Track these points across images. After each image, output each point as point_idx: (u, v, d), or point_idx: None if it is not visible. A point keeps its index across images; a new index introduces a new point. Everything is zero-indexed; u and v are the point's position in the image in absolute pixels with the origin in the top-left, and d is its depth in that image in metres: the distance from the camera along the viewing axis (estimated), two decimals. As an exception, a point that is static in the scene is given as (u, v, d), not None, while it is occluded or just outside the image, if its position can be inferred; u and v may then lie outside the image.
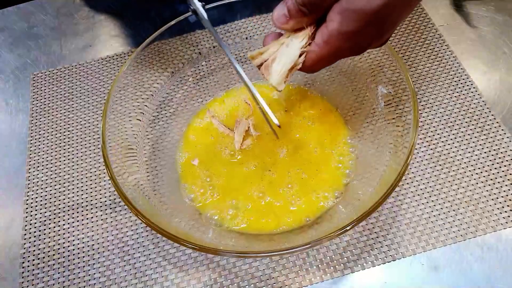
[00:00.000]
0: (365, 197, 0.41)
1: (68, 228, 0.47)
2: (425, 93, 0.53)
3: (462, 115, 0.50)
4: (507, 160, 0.47)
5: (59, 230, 0.47)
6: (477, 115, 0.50)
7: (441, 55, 0.56)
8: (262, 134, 0.50)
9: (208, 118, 0.52)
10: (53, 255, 0.45)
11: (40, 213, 0.48)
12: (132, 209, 0.37)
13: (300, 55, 0.34)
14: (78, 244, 0.46)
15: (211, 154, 0.49)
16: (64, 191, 0.49)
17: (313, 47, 0.33)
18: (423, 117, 0.51)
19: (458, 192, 0.45)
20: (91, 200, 0.48)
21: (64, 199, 0.49)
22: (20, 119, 0.56)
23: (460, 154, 0.48)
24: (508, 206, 0.44)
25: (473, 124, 0.50)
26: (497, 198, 0.44)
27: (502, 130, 0.49)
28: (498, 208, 0.44)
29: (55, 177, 0.51)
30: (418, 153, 0.48)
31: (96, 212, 0.48)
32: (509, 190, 0.45)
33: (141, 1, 0.67)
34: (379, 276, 0.41)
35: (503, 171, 0.46)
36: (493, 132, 0.49)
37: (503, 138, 0.48)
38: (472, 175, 0.46)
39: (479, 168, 0.47)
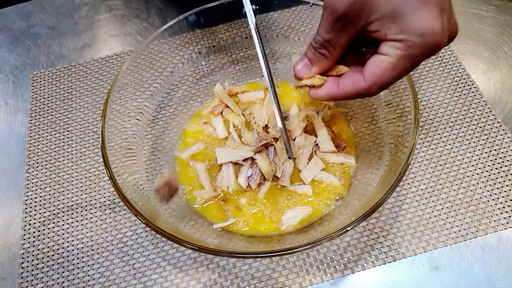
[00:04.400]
0: (365, 198, 0.41)
1: (67, 228, 0.47)
2: (426, 93, 0.52)
3: (462, 115, 0.50)
4: (508, 161, 0.47)
5: (58, 231, 0.47)
6: (477, 115, 0.50)
7: (442, 55, 0.55)
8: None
9: (200, 125, 0.52)
10: (52, 255, 0.45)
11: (39, 214, 0.48)
12: (132, 209, 0.37)
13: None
14: (77, 244, 0.46)
15: (211, 156, 0.49)
16: (63, 191, 0.49)
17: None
18: (424, 117, 0.51)
19: (458, 193, 0.45)
20: (90, 200, 0.48)
21: (63, 199, 0.49)
22: (19, 119, 0.56)
23: (460, 155, 0.47)
24: (509, 206, 0.44)
25: (473, 124, 0.49)
26: (498, 198, 0.44)
27: (503, 130, 0.49)
28: (499, 209, 0.44)
29: (54, 177, 0.50)
30: (418, 153, 0.48)
31: (95, 212, 0.47)
32: (510, 190, 0.45)
33: (141, 1, 0.67)
34: (379, 276, 0.41)
35: (504, 172, 0.46)
36: (493, 132, 0.49)
37: (504, 139, 0.48)
38: (472, 175, 0.46)
39: (479, 169, 0.46)
